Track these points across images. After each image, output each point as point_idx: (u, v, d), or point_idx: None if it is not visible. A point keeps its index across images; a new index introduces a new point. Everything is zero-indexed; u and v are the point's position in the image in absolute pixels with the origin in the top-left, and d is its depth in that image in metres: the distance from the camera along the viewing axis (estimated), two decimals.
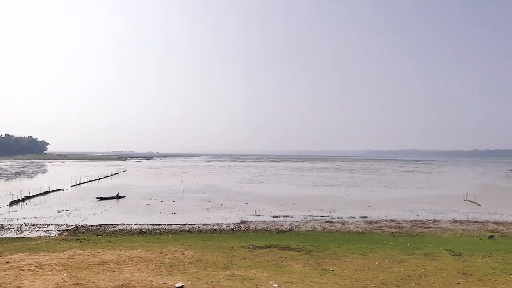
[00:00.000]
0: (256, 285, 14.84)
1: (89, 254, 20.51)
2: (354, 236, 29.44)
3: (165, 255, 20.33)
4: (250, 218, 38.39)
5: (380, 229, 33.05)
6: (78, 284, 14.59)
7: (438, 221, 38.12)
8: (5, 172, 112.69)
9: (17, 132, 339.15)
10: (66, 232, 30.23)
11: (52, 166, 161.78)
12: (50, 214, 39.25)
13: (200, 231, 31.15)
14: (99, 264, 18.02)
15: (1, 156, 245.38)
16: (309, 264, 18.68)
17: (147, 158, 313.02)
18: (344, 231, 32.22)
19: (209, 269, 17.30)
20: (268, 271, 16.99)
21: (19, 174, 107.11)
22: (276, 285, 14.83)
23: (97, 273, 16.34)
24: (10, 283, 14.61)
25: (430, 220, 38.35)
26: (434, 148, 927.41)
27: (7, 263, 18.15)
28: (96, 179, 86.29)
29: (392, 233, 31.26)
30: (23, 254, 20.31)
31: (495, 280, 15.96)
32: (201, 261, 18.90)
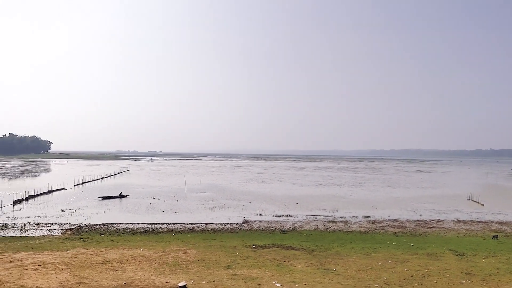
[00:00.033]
0: (259, 284, 14.84)
1: (92, 253, 20.58)
2: (357, 236, 29.39)
3: (168, 254, 20.37)
4: (253, 218, 38.39)
5: (383, 229, 32.98)
6: (81, 283, 14.64)
7: (441, 221, 37.99)
8: (9, 171, 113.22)
9: (20, 132, 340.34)
10: (70, 231, 30.33)
11: (55, 165, 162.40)
12: (54, 213, 39.39)
13: (202, 231, 31.18)
14: (102, 263, 18.08)
15: (5, 155, 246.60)
16: (311, 263, 18.67)
17: (150, 158, 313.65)
18: (347, 230, 32.17)
19: (211, 268, 17.32)
20: (270, 271, 16.99)
21: (23, 173, 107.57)
22: (279, 285, 14.83)
23: (100, 272, 16.39)
24: (14, 282, 14.68)
25: (433, 220, 38.23)
26: (438, 148, 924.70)
27: (11, 261, 18.24)
28: (99, 179, 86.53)
29: (395, 233, 31.18)
30: (27, 253, 20.41)
31: (499, 281, 15.90)
32: (203, 260, 18.93)
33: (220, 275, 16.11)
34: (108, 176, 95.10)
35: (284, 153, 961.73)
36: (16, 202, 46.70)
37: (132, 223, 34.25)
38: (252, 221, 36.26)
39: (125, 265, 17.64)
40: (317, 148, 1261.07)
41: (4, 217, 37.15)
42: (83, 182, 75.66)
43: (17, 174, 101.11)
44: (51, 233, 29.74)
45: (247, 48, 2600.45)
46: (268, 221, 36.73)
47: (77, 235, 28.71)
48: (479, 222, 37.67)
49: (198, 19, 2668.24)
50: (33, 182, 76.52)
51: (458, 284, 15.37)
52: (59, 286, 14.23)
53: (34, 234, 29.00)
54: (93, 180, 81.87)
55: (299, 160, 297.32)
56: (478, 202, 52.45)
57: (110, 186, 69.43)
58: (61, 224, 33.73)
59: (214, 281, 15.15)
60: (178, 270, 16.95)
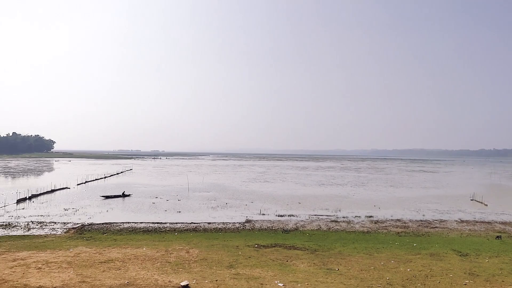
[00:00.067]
0: (261, 284, 14.83)
1: (95, 252, 20.63)
2: (359, 236, 29.32)
3: (171, 253, 20.39)
4: (255, 217, 38.38)
5: (386, 229, 32.89)
6: (84, 282, 14.67)
7: (444, 221, 37.85)
8: (12, 170, 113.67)
9: (23, 131, 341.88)
10: (72, 230, 30.41)
11: (59, 164, 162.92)
12: (57, 212, 39.52)
13: (205, 230, 31.19)
14: (105, 262, 18.12)
15: (8, 154, 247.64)
16: (314, 263, 18.64)
17: (153, 157, 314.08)
18: (350, 230, 32.10)
19: (214, 268, 17.32)
20: (273, 270, 16.98)
21: (26, 172, 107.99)
22: (281, 285, 14.81)
23: (103, 271, 16.42)
24: (17, 280, 14.73)
25: (436, 220, 38.10)
26: (441, 148, 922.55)
27: (14, 260, 18.31)
28: (102, 178, 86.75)
29: (398, 232, 31.09)
30: (30, 252, 20.47)
31: (502, 281, 15.82)
32: (206, 259, 18.93)
33: (222, 274, 16.11)
34: (111, 176, 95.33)
35: (287, 152, 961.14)
36: (19, 201, 46.89)
37: (135, 222, 34.31)
38: (254, 221, 36.25)
39: (127, 264, 17.67)
40: (319, 148, 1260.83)
41: (8, 216, 37.30)
42: (86, 181, 75.87)
43: (20, 173, 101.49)
44: (54, 232, 29.83)
45: (250, 47, 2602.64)
46: (270, 220, 36.71)
47: (80, 234, 28.78)
48: (482, 222, 37.51)
49: (201, 18, 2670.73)
50: (36, 181, 76.81)
51: (461, 285, 15.30)
52: (62, 285, 14.27)
53: (37, 233, 29.10)
54: (96, 179, 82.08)
55: (301, 160, 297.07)
56: (482, 202, 52.23)
57: (113, 186, 69.59)
58: (64, 223, 33.83)
59: (216, 280, 15.15)
60: (181, 269, 16.96)
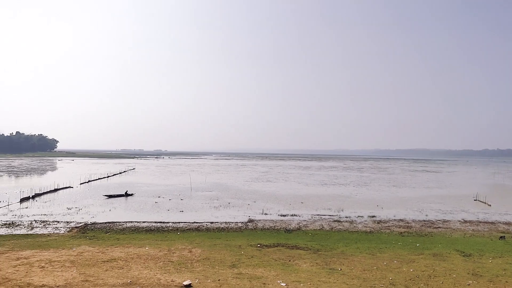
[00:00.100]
0: (264, 284, 14.82)
1: (98, 251, 20.68)
2: (362, 236, 29.26)
3: (173, 253, 20.41)
4: (258, 217, 38.37)
5: (389, 229, 32.82)
6: (87, 280, 14.71)
7: (447, 221, 37.73)
8: (15, 169, 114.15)
9: (27, 130, 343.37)
10: (75, 229, 30.50)
11: (62, 163, 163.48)
12: (60, 211, 39.65)
13: (208, 230, 31.21)
14: (107, 261, 18.16)
15: (12, 154, 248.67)
16: (317, 263, 18.61)
17: (156, 156, 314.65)
18: (352, 230, 32.05)
19: (216, 267, 17.33)
20: (275, 270, 16.97)
21: (29, 171, 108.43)
22: (283, 284, 14.79)
23: (106, 270, 16.45)
24: (21, 279, 14.78)
25: (439, 220, 37.98)
26: (444, 148, 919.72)
27: (18, 259, 18.38)
28: (105, 177, 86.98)
29: (401, 232, 31.01)
30: (33, 251, 20.55)
31: (506, 282, 15.74)
32: (208, 259, 18.94)
33: (225, 274, 16.12)
34: (114, 175, 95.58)
35: (290, 152, 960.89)
36: (22, 200, 47.08)
37: (138, 222, 34.38)
38: (257, 220, 36.25)
39: (130, 264, 17.70)
40: (322, 148, 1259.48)
41: (11, 215, 37.46)
42: (89, 181, 76.11)
43: (23, 172, 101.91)
44: (57, 231, 29.94)
45: (253, 47, 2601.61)
46: (273, 220, 36.69)
47: (83, 233, 28.87)
48: (486, 222, 37.37)
49: (203, 19, 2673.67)
50: (39, 180, 77.10)
51: (464, 285, 15.24)
52: (65, 283, 14.31)
53: (40, 232, 29.20)
54: (99, 179, 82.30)
55: (304, 160, 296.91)
56: (485, 203, 52.03)
57: (116, 185, 69.76)
58: (67, 222, 33.94)
59: (219, 280, 15.15)
60: (183, 268, 16.98)
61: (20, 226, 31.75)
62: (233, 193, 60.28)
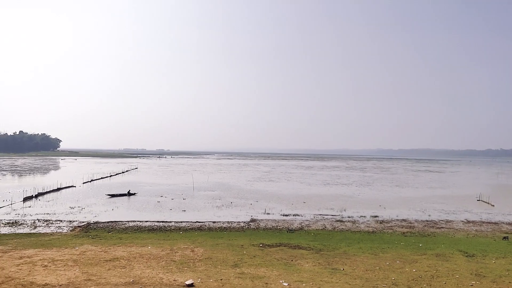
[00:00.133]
0: (266, 283, 14.81)
1: (100, 250, 20.72)
2: (364, 236, 29.21)
3: (176, 252, 20.43)
4: (260, 217, 38.36)
5: (391, 229, 32.74)
6: (89, 280, 14.74)
7: (450, 221, 37.61)
8: (19, 168, 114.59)
9: (30, 130, 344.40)
10: (78, 228, 30.58)
11: (64, 163, 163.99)
12: (63, 211, 39.77)
13: (210, 229, 31.23)
14: (110, 260, 18.19)
15: (15, 153, 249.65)
16: (319, 263, 18.59)
17: (158, 156, 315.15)
18: (355, 230, 31.99)
19: (219, 267, 17.33)
20: (278, 270, 16.95)
21: (32, 170, 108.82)
22: (286, 284, 14.78)
23: (108, 269, 16.48)
24: (24, 278, 14.83)
25: (442, 220, 37.86)
26: (447, 148, 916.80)
27: (21, 258, 18.44)
28: (107, 176, 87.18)
29: (404, 233, 30.93)
30: (36, 250, 20.61)
31: (509, 282, 15.67)
32: (211, 258, 18.95)
33: (227, 273, 16.11)
34: (117, 174, 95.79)
35: (292, 152, 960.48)
36: (26, 199, 47.24)
37: (140, 221, 34.44)
38: (259, 220, 36.24)
39: (132, 263, 17.73)
40: (324, 147, 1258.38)
41: (14, 214, 37.60)
42: (92, 180, 76.30)
43: (26, 172, 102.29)
44: (60, 230, 30.02)
45: (254, 46, 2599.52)
46: (275, 220, 36.68)
47: (85, 232, 28.94)
48: (489, 223, 37.22)
49: (204, 18, 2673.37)
50: (42, 180, 77.35)
51: (467, 286, 15.17)
52: (68, 282, 14.34)
53: (43, 231, 29.29)
54: (102, 178, 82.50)
55: (306, 159, 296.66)
56: (488, 203, 51.83)
57: (118, 184, 69.90)
58: (70, 221, 34.03)
59: (221, 279, 15.15)
60: (186, 268, 16.99)
61: (23, 225, 31.86)
62: (235, 192, 60.30)
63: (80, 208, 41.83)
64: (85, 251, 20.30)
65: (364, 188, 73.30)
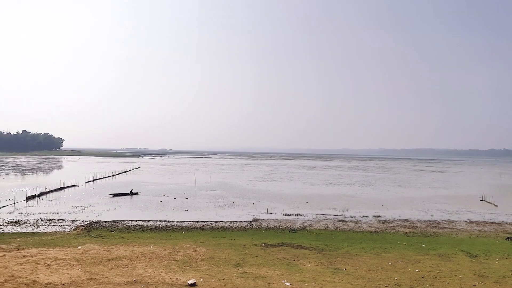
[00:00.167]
0: (268, 283, 14.80)
1: (103, 249, 20.76)
2: (367, 236, 29.16)
3: (178, 251, 20.45)
4: (262, 216, 38.36)
5: (394, 229, 32.67)
6: (92, 279, 14.77)
7: (453, 221, 37.50)
8: (22, 167, 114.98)
9: (33, 129, 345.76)
10: (81, 228, 30.65)
11: (67, 162, 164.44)
12: (65, 210, 39.87)
13: (212, 229, 31.24)
14: (112, 259, 18.23)
15: (18, 152, 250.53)
16: (321, 263, 18.57)
17: (160, 155, 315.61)
18: (357, 230, 31.94)
19: (221, 266, 17.34)
20: (280, 270, 16.94)
21: (35, 169, 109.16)
22: (288, 284, 14.76)
23: (111, 268, 16.51)
24: (27, 277, 14.87)
25: (445, 221, 37.75)
26: (450, 148, 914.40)
27: (24, 257, 18.50)
28: (110, 176, 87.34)
29: (406, 233, 30.86)
30: (39, 249, 20.67)
31: None
32: (213, 258, 18.96)
33: (229, 273, 16.11)
34: (119, 174, 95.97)
35: (294, 151, 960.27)
36: (28, 198, 47.40)
37: (142, 220, 34.49)
38: (261, 220, 36.23)
39: (135, 262, 17.76)
40: (327, 147, 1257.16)
41: (17, 213, 37.73)
42: (94, 179, 76.49)
43: (29, 171, 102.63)
44: (63, 229, 30.10)
45: (254, 46, 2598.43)
46: (277, 219, 36.66)
47: (88, 231, 29.00)
48: (492, 223, 37.09)
49: (205, 18, 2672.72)
50: (45, 179, 77.61)
51: (470, 286, 15.12)
52: (71, 281, 14.37)
53: (46, 230, 29.38)
54: (104, 177, 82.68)
55: (309, 159, 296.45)
56: (491, 203, 51.65)
57: (121, 184, 70.04)
58: (73, 220, 34.11)
59: (223, 279, 15.15)
60: (188, 267, 17.00)
61: (26, 224, 31.97)
62: (237, 192, 60.32)
63: (83, 207, 41.93)
64: (87, 250, 20.35)
65: (366, 188, 73.18)
